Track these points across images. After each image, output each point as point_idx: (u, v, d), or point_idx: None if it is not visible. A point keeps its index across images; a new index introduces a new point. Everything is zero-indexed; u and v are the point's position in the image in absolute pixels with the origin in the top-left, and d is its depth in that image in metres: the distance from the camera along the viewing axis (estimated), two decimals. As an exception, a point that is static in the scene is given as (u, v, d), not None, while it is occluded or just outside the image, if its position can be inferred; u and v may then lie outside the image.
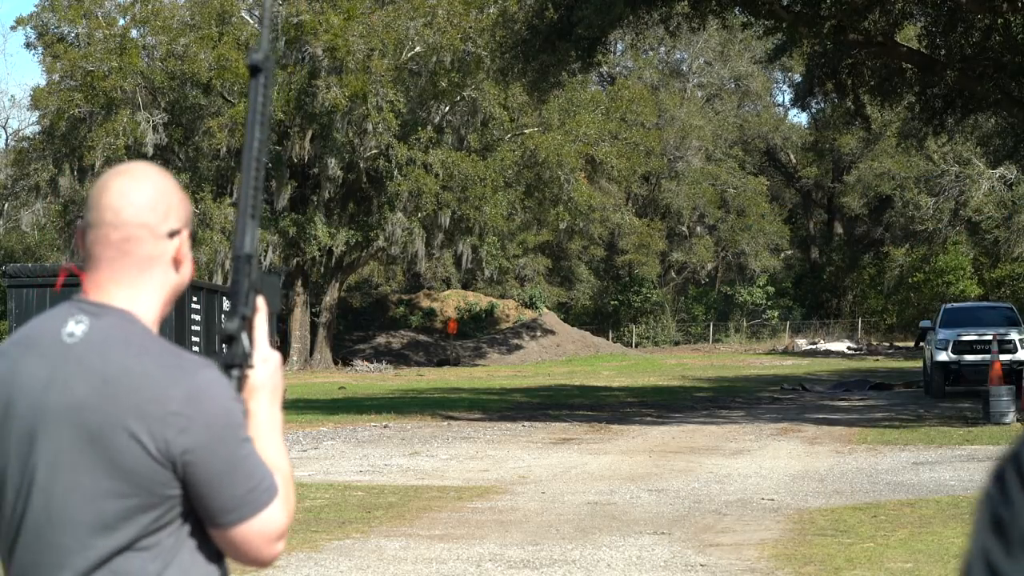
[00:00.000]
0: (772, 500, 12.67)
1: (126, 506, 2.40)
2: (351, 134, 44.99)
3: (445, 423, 23.47)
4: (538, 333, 58.20)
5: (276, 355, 2.54)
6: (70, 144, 45.12)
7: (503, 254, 54.70)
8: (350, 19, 44.55)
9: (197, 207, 44.37)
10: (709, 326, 67.41)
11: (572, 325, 62.34)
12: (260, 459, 2.46)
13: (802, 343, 59.44)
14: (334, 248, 46.95)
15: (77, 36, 46.23)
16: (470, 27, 44.68)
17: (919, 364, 35.53)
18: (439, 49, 45.08)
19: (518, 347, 56.57)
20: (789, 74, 68.96)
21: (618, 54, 69.46)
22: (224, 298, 24.19)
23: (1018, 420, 20.79)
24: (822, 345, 58.36)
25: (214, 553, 2.51)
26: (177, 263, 2.55)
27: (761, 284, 69.12)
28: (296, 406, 25.79)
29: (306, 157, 46.72)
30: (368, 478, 14.91)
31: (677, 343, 66.16)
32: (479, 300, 61.23)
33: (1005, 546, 1.47)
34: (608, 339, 63.18)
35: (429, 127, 47.32)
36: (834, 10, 24.91)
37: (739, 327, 67.21)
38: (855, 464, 15.79)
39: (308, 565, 9.37)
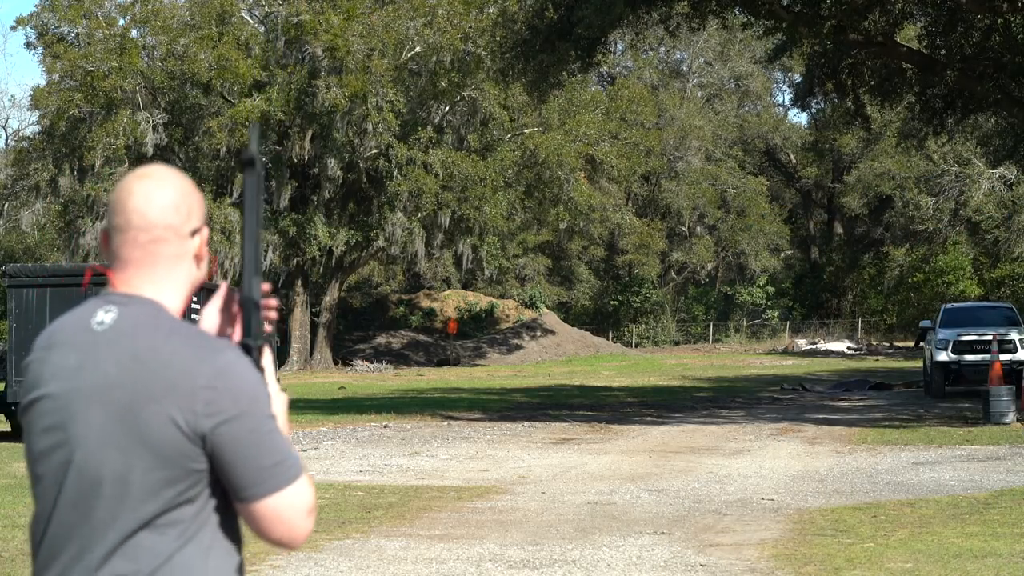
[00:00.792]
0: (772, 500, 12.67)
1: (153, 479, 2.46)
2: (351, 134, 44.99)
3: (445, 423, 23.47)
4: (538, 333, 58.20)
5: (284, 396, 2.66)
6: (70, 144, 45.12)
7: (503, 254, 54.71)
8: (350, 19, 44.55)
9: (197, 207, 44.34)
10: (709, 326, 67.41)
11: (572, 325, 62.34)
12: (286, 438, 2.55)
13: (802, 343, 59.44)
14: (334, 248, 46.95)
15: (77, 36, 46.23)
16: (470, 27, 44.68)
17: (919, 364, 35.53)
18: (439, 49, 45.08)
19: (518, 347, 56.57)
20: (789, 74, 68.97)
21: (618, 54, 69.47)
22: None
23: (1018, 420, 20.79)
24: (822, 345, 58.36)
25: (235, 536, 2.57)
26: (198, 259, 2.67)
27: (761, 284, 69.12)
28: (296, 406, 25.79)
29: (306, 157, 46.72)
30: (368, 478, 14.91)
31: (677, 343, 66.17)
32: (479, 300, 61.23)
33: None
34: (608, 339, 63.18)
35: (429, 127, 47.32)
36: (834, 10, 24.90)
37: (739, 327, 67.22)
38: (855, 464, 15.79)
39: (308, 565, 9.37)
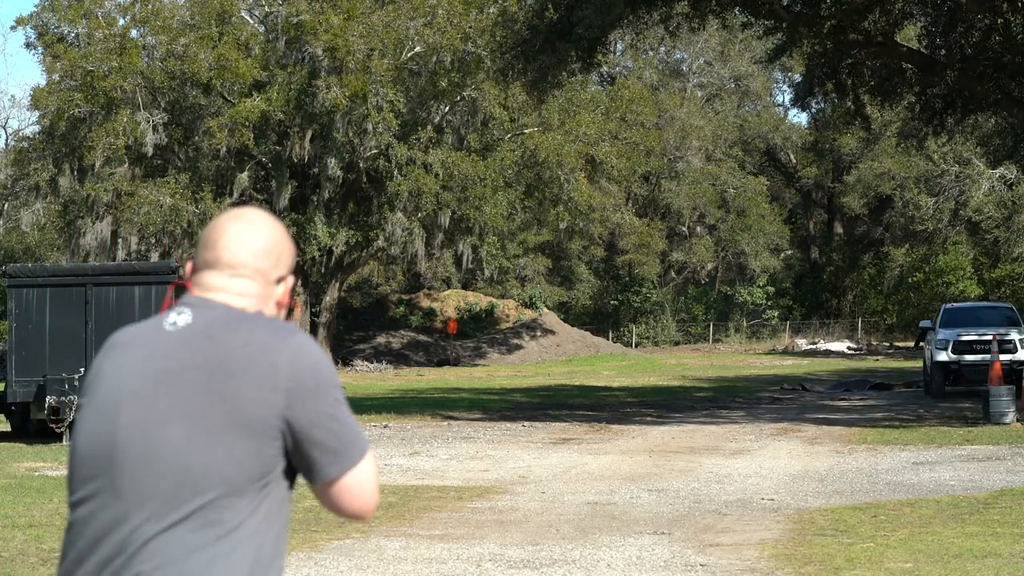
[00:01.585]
0: (772, 500, 12.67)
1: (221, 457, 2.48)
2: (351, 134, 44.97)
3: (445, 423, 23.47)
4: (538, 333, 58.19)
5: None
6: (70, 144, 45.09)
7: (503, 254, 54.68)
8: (350, 19, 44.53)
9: (197, 207, 44.37)
10: (709, 326, 67.40)
11: (572, 325, 62.33)
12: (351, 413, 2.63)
13: (802, 343, 59.43)
14: (334, 248, 46.93)
15: (77, 36, 46.20)
16: (470, 27, 44.67)
17: (919, 364, 35.53)
18: (439, 49, 45.07)
19: (518, 347, 56.56)
20: (789, 74, 68.95)
21: (618, 54, 69.45)
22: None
23: (1018, 420, 20.79)
24: (822, 345, 58.35)
25: (286, 520, 2.60)
26: (280, 306, 2.73)
27: (761, 284, 69.11)
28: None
29: (306, 157, 46.69)
30: (368, 478, 14.89)
31: (677, 343, 66.15)
32: (479, 300, 61.22)
33: None
34: (608, 339, 63.17)
35: (429, 127, 47.30)
36: (834, 10, 24.90)
37: (739, 327, 67.20)
38: (855, 464, 15.79)
39: (308, 565, 9.37)
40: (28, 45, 48.12)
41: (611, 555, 9.70)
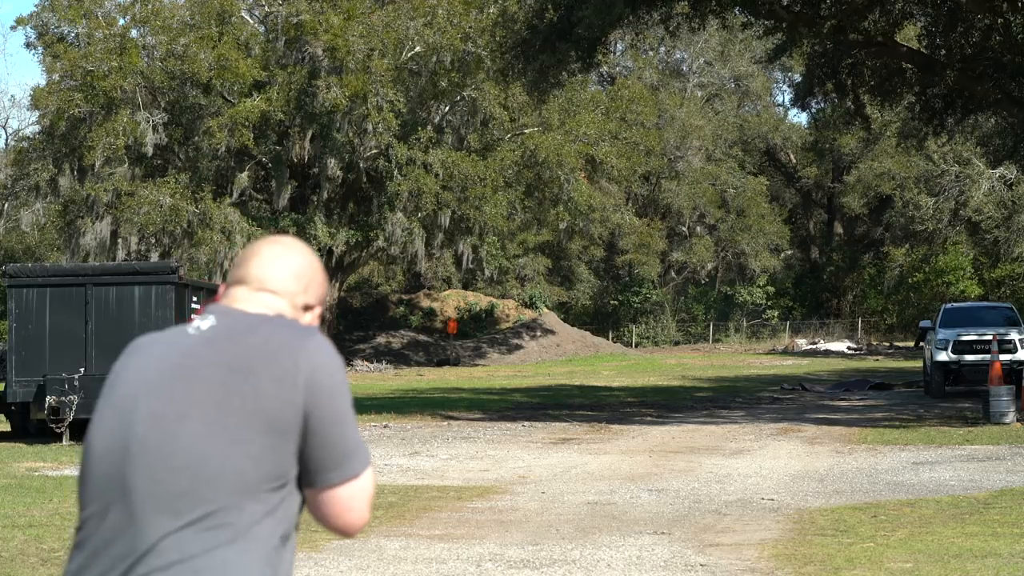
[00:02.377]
0: (772, 500, 12.66)
1: (239, 452, 2.47)
2: (351, 134, 44.98)
3: (445, 423, 23.47)
4: (538, 333, 58.19)
5: None
6: (70, 144, 45.09)
7: (503, 254, 54.69)
8: (350, 19, 44.54)
9: (197, 207, 44.37)
10: (709, 326, 67.39)
11: (572, 325, 62.33)
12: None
13: (802, 343, 59.43)
14: (334, 248, 46.93)
15: (77, 36, 46.20)
16: (470, 27, 44.67)
17: (919, 364, 35.53)
18: (439, 49, 45.07)
19: (518, 347, 56.56)
20: (789, 74, 68.96)
21: (618, 54, 69.44)
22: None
23: (1018, 420, 20.79)
24: (822, 345, 58.35)
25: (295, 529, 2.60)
26: None
27: (761, 284, 69.10)
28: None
29: (306, 157, 46.70)
30: (368, 478, 14.89)
31: (677, 343, 66.15)
32: (479, 300, 61.22)
33: None
34: (608, 339, 63.17)
35: (429, 127, 47.31)
36: (834, 10, 24.91)
37: (739, 327, 67.20)
38: (855, 464, 15.79)
39: (308, 565, 9.37)
40: (28, 45, 48.16)
41: (611, 555, 9.70)
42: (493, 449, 18.38)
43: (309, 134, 46.16)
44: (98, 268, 22.62)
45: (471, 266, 51.81)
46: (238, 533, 2.45)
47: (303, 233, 46.02)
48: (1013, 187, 52.57)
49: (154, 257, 43.49)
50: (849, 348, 57.09)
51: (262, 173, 48.99)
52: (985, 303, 37.87)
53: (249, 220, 45.53)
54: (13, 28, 49.07)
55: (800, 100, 31.70)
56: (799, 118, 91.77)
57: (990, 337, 24.90)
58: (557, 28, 25.57)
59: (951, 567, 8.95)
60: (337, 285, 51.40)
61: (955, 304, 32.45)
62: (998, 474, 14.47)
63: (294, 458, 2.52)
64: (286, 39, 45.28)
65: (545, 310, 61.53)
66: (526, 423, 23.01)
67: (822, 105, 51.14)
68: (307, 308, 2.72)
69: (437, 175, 46.02)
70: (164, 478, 2.47)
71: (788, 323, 66.59)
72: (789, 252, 73.78)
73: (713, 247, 69.63)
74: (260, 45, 46.55)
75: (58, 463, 17.02)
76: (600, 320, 67.60)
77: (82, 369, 19.92)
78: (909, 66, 27.61)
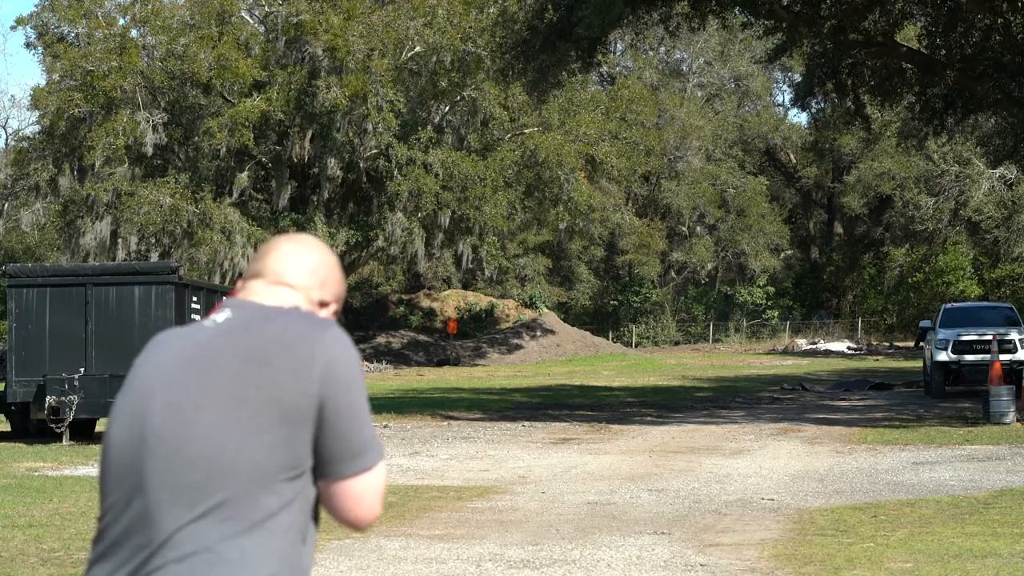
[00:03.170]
0: (772, 500, 12.66)
1: (255, 443, 2.48)
2: (351, 134, 44.98)
3: (445, 423, 23.48)
4: (538, 333, 58.19)
5: None
6: (70, 144, 45.09)
7: (503, 254, 54.68)
8: (350, 19, 44.54)
9: (197, 207, 44.37)
10: (709, 326, 67.39)
11: (572, 325, 62.32)
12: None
13: (802, 343, 59.43)
14: (334, 248, 46.94)
15: (77, 36, 46.20)
16: (470, 27, 44.67)
17: (919, 364, 35.53)
18: (439, 49, 45.07)
19: (518, 347, 56.56)
20: (789, 74, 68.97)
21: (618, 54, 69.45)
22: (224, 298, 24.27)
23: (1018, 420, 20.79)
24: (822, 345, 58.34)
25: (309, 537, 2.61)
26: None
27: (761, 284, 69.10)
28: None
29: (306, 157, 46.70)
30: (368, 478, 14.88)
31: (677, 343, 66.14)
32: (479, 300, 61.22)
33: None
34: (608, 339, 63.17)
35: (429, 127, 47.31)
36: (834, 10, 24.91)
37: (739, 327, 67.20)
38: (855, 464, 15.79)
39: (308, 565, 9.35)
40: (28, 45, 48.18)
41: (611, 555, 9.70)
42: (493, 449, 18.38)
43: (309, 134, 46.16)
44: (98, 268, 22.62)
45: (471, 266, 51.81)
46: (254, 524, 2.45)
47: (303, 233, 45.98)
48: (1013, 187, 52.57)
49: (154, 257, 43.49)
50: (849, 348, 57.09)
51: (262, 173, 48.99)
52: (985, 303, 37.87)
53: (249, 220, 45.54)
54: (13, 28, 49.11)
55: (800, 100, 31.71)
56: (799, 118, 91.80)
57: (990, 337, 24.90)
58: (557, 28, 25.57)
59: (951, 567, 8.95)
60: (337, 285, 51.35)
61: (955, 304, 32.45)
62: (998, 474, 14.47)
63: (309, 448, 2.53)
64: (286, 39, 45.28)
65: (545, 310, 61.53)
66: (526, 423, 23.02)
67: (822, 105, 51.16)
68: (323, 304, 2.73)
69: (437, 175, 46.02)
70: (179, 469, 2.48)
71: (788, 323, 66.59)
72: (789, 252, 73.78)
73: (713, 247, 69.63)
74: (260, 45, 46.56)
75: (58, 463, 17.02)
76: (600, 320, 67.60)
77: (82, 369, 19.92)
78: (909, 66, 27.61)
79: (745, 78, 73.17)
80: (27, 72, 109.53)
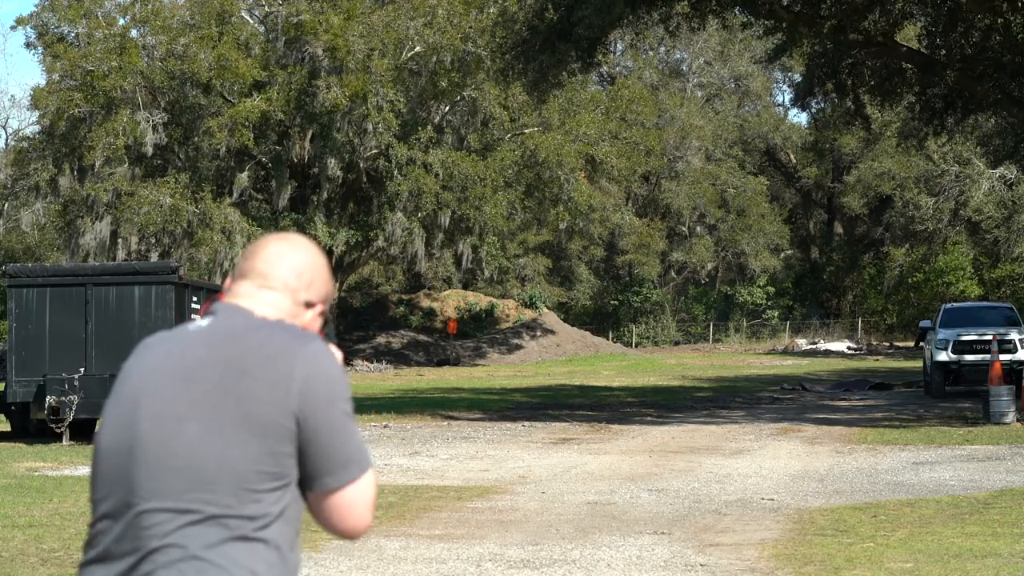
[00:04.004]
0: (772, 500, 12.66)
1: (235, 456, 2.49)
2: (351, 134, 44.98)
3: (445, 423, 23.48)
4: (538, 333, 58.19)
5: None
6: (70, 144, 45.09)
7: (503, 254, 54.68)
8: (350, 19, 44.53)
9: (197, 207, 44.37)
10: (709, 326, 67.39)
11: (572, 325, 62.32)
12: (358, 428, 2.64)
13: (802, 343, 59.42)
14: (334, 248, 46.94)
15: (77, 36, 46.20)
16: (470, 27, 44.66)
17: (919, 364, 35.52)
18: (439, 49, 45.06)
19: (518, 347, 56.56)
20: (789, 74, 68.96)
21: (618, 54, 69.44)
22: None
23: (1018, 420, 20.79)
24: (822, 345, 58.34)
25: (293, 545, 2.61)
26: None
27: (761, 284, 69.10)
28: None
29: (306, 157, 46.69)
30: (368, 478, 14.87)
31: (677, 343, 66.14)
32: (479, 300, 61.22)
33: None
34: (608, 339, 63.17)
35: (429, 127, 47.30)
36: (834, 10, 24.91)
37: (739, 327, 67.20)
38: (855, 464, 15.79)
39: (308, 565, 9.37)
40: (28, 45, 48.17)
41: (611, 555, 9.70)
42: (493, 449, 18.38)
43: (309, 134, 46.16)
44: (98, 268, 22.62)
45: (471, 266, 51.80)
46: (241, 532, 2.46)
47: (303, 233, 45.91)
48: (1013, 187, 52.57)
49: (154, 257, 43.49)
50: (849, 348, 57.09)
51: (262, 173, 48.98)
52: (985, 303, 37.87)
53: (249, 220, 45.54)
54: (13, 28, 49.11)
55: (800, 100, 31.72)
56: (799, 118, 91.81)
57: (990, 337, 24.89)
58: (557, 28, 25.57)
59: (951, 567, 8.95)
60: (337, 285, 51.42)
61: (955, 304, 32.45)
62: (998, 474, 14.47)
63: (293, 460, 2.53)
64: (286, 39, 45.28)
65: (545, 310, 61.53)
66: (526, 423, 23.02)
67: (822, 105, 51.16)
68: (309, 305, 2.73)
69: (437, 175, 46.02)
70: (165, 477, 2.49)
71: (788, 323, 66.59)
72: (789, 252, 73.78)
73: (713, 247, 69.64)
74: (260, 45, 46.56)
75: (58, 463, 17.02)
76: (600, 320, 67.60)
77: (82, 369, 19.92)
78: (909, 66, 27.61)
79: (745, 78, 73.18)
80: (27, 72, 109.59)
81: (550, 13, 25.89)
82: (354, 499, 2.57)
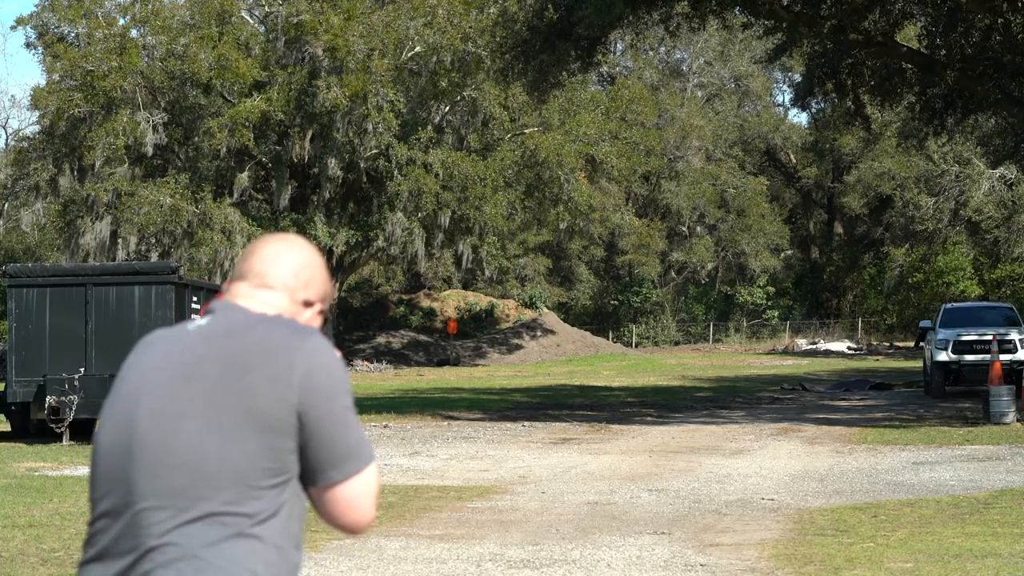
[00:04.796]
0: (772, 500, 12.66)
1: (236, 452, 2.49)
2: (351, 134, 44.97)
3: (445, 423, 23.48)
4: (538, 333, 58.19)
5: None
6: (70, 144, 45.09)
7: (503, 254, 54.68)
8: (350, 19, 44.53)
9: (197, 207, 44.37)
10: (709, 326, 67.40)
11: (572, 325, 62.32)
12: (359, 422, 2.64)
13: (802, 343, 59.43)
14: (334, 248, 46.94)
15: (77, 36, 46.20)
16: (470, 27, 44.66)
17: (919, 364, 35.53)
18: (439, 49, 45.06)
19: (518, 347, 56.56)
20: (789, 74, 68.96)
21: (618, 54, 69.44)
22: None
23: (1018, 420, 20.79)
24: (822, 345, 58.34)
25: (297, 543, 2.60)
26: None
27: (761, 284, 69.10)
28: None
29: (306, 157, 46.68)
30: (368, 478, 14.87)
31: (677, 343, 66.15)
32: (479, 300, 61.22)
33: None
34: (608, 339, 63.17)
35: (429, 127, 47.30)
36: (834, 10, 24.91)
37: (739, 327, 67.20)
38: (855, 464, 15.79)
39: (308, 565, 9.36)
40: (28, 45, 48.16)
41: (611, 555, 9.70)
42: (493, 449, 18.38)
43: (309, 134, 46.15)
44: (98, 268, 22.62)
45: (471, 266, 51.81)
46: (240, 530, 2.46)
47: (303, 233, 46.01)
48: (1013, 187, 52.57)
49: (154, 257, 43.49)
50: (849, 348, 57.09)
51: (262, 173, 48.98)
52: (985, 303, 37.87)
53: (249, 220, 45.54)
54: (13, 28, 49.10)
55: (800, 100, 31.73)
56: (799, 118, 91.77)
57: (990, 337, 24.89)
58: (557, 28, 25.57)
59: (951, 567, 8.95)
60: (337, 285, 51.41)
61: (955, 304, 32.44)
62: (998, 474, 14.47)
63: (294, 456, 2.53)
64: (286, 39, 45.28)
65: (545, 310, 61.53)
66: (526, 423, 23.02)
67: (822, 105, 51.18)
68: (307, 304, 2.74)
69: (437, 175, 46.02)
70: (165, 475, 2.49)
71: (788, 323, 66.60)
72: (789, 252, 73.79)
73: (713, 247, 69.64)
74: (260, 45, 46.55)
75: (58, 463, 17.02)
76: (600, 320, 67.60)
77: (82, 369, 19.92)
78: (909, 66, 27.61)
79: (745, 78, 73.18)
80: (27, 72, 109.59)
81: (550, 13, 25.89)
82: (357, 492, 2.57)
